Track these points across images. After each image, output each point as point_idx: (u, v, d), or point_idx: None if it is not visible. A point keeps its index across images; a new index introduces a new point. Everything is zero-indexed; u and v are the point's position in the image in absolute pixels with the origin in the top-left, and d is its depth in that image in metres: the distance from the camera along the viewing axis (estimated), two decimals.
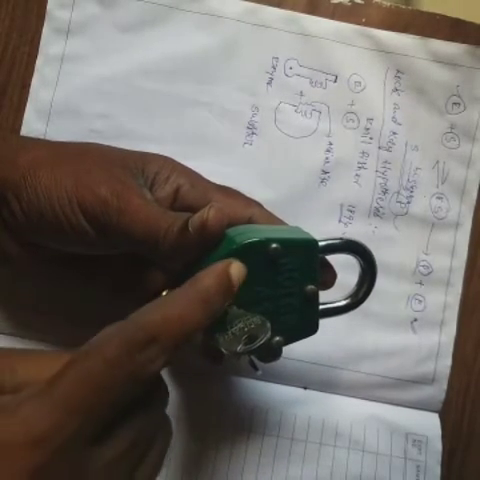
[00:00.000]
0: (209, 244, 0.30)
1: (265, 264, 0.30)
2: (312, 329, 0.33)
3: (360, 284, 0.34)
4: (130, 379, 0.24)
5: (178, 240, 0.31)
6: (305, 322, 0.32)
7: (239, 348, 0.29)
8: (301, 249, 0.31)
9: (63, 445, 0.23)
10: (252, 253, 0.30)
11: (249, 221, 0.34)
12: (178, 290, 0.28)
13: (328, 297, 0.34)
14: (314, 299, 0.32)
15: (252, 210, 0.34)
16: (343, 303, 0.34)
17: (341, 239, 0.33)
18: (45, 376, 0.24)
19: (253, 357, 0.33)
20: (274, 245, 0.30)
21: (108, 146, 0.37)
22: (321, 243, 0.32)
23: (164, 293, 0.35)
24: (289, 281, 0.31)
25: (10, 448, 0.22)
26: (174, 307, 0.26)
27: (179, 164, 0.36)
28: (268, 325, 0.30)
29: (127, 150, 0.36)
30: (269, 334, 0.30)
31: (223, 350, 0.30)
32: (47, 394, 0.24)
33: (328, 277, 0.34)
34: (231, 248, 0.30)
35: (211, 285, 0.28)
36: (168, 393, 0.29)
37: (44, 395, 0.24)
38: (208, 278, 0.28)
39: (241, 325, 0.30)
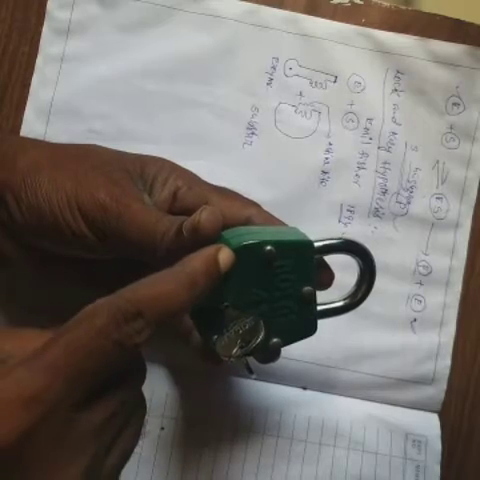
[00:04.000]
0: (204, 246, 0.30)
1: (260, 266, 0.30)
2: (310, 330, 0.32)
3: (359, 284, 0.34)
4: (116, 348, 0.26)
5: (174, 244, 0.31)
6: (303, 323, 0.32)
7: (234, 351, 0.29)
8: (296, 251, 0.31)
9: (52, 407, 0.24)
10: (247, 256, 0.30)
11: (247, 222, 0.34)
12: (168, 270, 0.28)
13: (327, 297, 0.34)
14: (311, 300, 0.32)
15: (250, 211, 0.34)
16: (341, 303, 0.34)
17: (339, 239, 0.33)
18: (31, 350, 0.25)
19: (249, 360, 0.33)
20: (269, 247, 0.30)
21: (107, 149, 0.36)
22: (319, 243, 0.32)
23: None
24: (285, 283, 0.31)
25: (2, 407, 0.23)
26: (162, 285, 0.27)
27: (177, 166, 0.36)
28: (261, 326, 0.30)
29: (125, 153, 0.36)
30: (263, 335, 0.30)
31: (220, 355, 0.30)
32: (39, 358, 0.25)
33: (325, 277, 0.34)
34: None
35: (199, 268, 0.28)
36: (145, 371, 0.30)
37: (36, 359, 0.25)
38: (197, 261, 0.29)
39: (236, 328, 0.30)
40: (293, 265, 0.31)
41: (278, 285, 0.31)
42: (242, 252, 0.30)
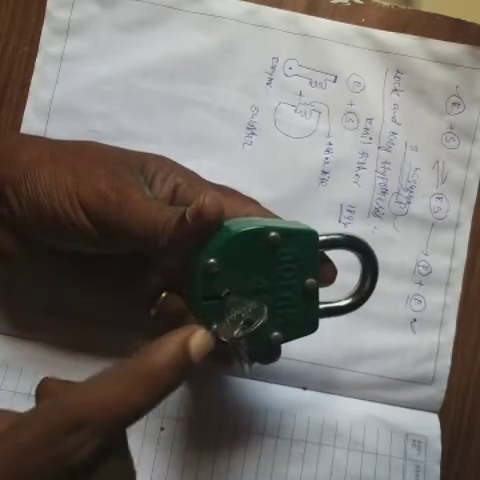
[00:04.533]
0: (207, 232, 0.30)
1: (264, 253, 0.30)
2: (311, 326, 0.32)
3: (362, 282, 0.34)
4: (54, 464, 0.23)
5: (176, 232, 0.30)
6: (304, 318, 0.32)
7: (236, 333, 0.29)
8: (301, 238, 0.31)
9: None
10: (250, 241, 0.29)
11: None
12: (121, 365, 0.25)
13: (330, 298, 0.34)
14: (314, 294, 0.31)
15: (250, 209, 0.34)
16: (346, 302, 0.34)
17: (341, 235, 0.33)
18: None
19: (245, 353, 0.32)
20: (273, 233, 0.30)
21: (107, 145, 0.37)
22: (321, 238, 0.32)
23: (163, 295, 0.35)
24: (288, 273, 0.30)
25: None
26: (110, 387, 0.24)
27: (177, 164, 0.36)
28: (265, 309, 0.30)
29: (126, 149, 0.36)
30: (265, 318, 0.29)
31: (221, 337, 0.30)
32: None
33: (328, 272, 0.33)
34: (229, 236, 0.29)
35: (161, 363, 0.24)
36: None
37: None
38: (159, 354, 0.25)
39: (238, 312, 0.29)
40: (297, 254, 0.30)
41: (281, 275, 0.30)
42: (245, 238, 0.29)
